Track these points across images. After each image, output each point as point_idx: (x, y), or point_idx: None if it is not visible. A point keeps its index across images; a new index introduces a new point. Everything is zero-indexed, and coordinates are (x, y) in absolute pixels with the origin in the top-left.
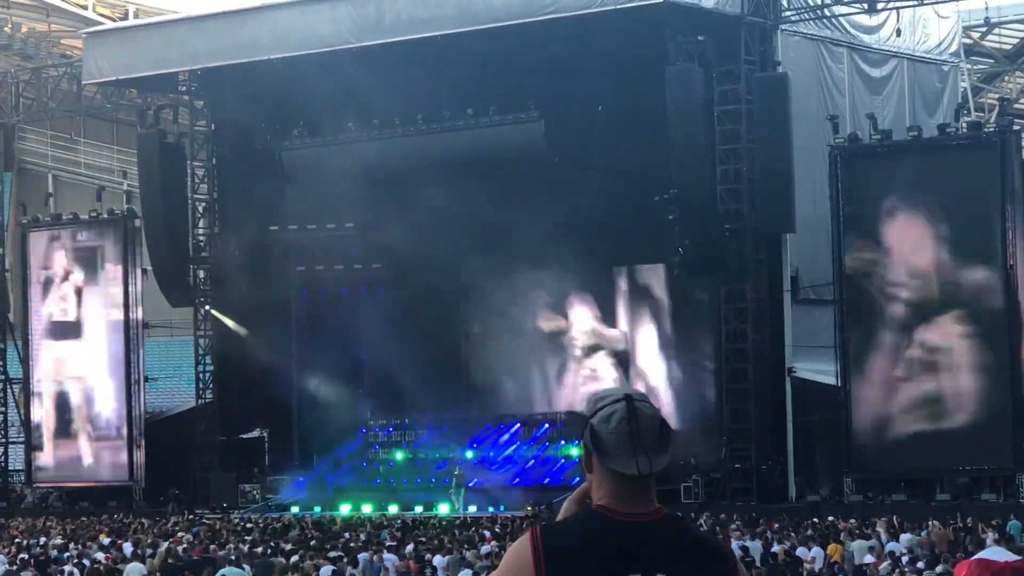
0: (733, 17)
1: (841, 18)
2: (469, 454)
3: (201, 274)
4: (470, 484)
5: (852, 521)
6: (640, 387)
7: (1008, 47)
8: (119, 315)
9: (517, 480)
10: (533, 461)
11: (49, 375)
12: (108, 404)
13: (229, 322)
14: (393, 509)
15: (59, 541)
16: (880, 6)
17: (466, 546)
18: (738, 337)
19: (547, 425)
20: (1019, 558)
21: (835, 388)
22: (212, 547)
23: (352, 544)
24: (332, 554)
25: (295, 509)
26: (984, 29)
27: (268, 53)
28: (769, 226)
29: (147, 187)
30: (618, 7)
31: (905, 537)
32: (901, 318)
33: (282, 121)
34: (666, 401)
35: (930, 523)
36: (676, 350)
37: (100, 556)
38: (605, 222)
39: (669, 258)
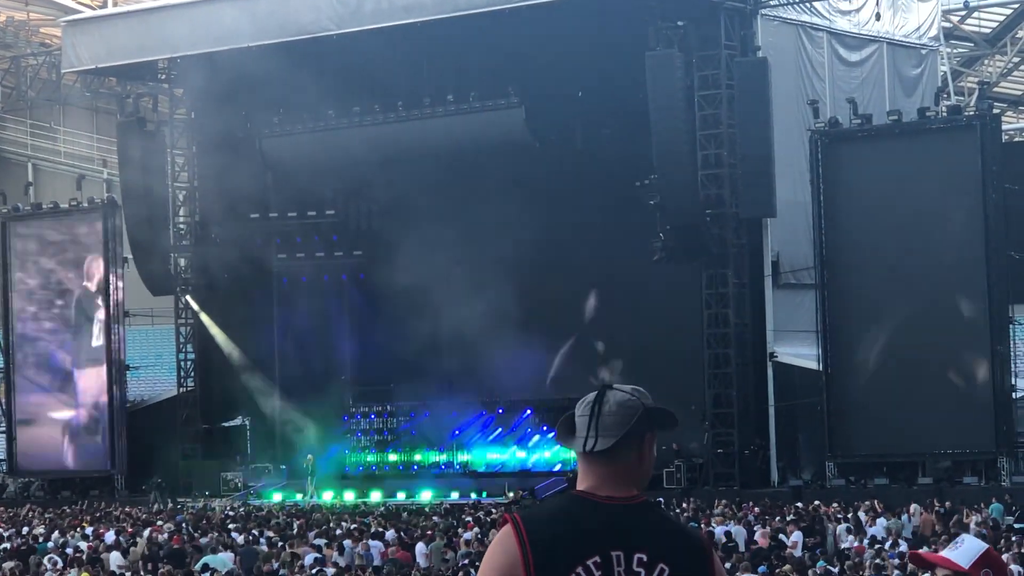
0: (713, 2)
1: (820, 2)
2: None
3: (182, 262)
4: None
5: (835, 505)
6: (614, 372)
7: (988, 31)
8: (100, 304)
9: (502, 466)
10: (516, 446)
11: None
12: (89, 393)
13: (208, 320)
14: (376, 496)
15: (41, 530)
16: None
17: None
18: (720, 322)
19: (529, 411)
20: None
21: (817, 373)
22: (195, 535)
23: (336, 532)
24: (315, 542)
25: (277, 497)
26: (963, 13)
27: (248, 41)
28: (750, 211)
29: (127, 175)
30: None
31: (881, 522)
32: (883, 302)
33: (262, 109)
34: (645, 386)
35: (911, 507)
36: (657, 335)
37: (82, 545)
38: (585, 207)
39: (650, 243)
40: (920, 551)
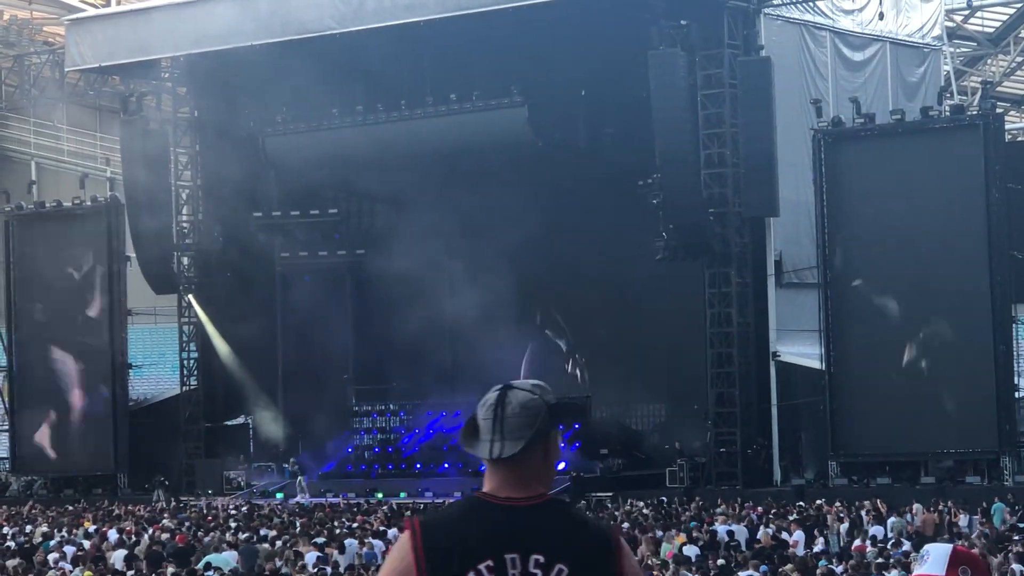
0: (716, 1)
1: (823, 2)
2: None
3: (185, 261)
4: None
5: (838, 505)
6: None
7: (991, 30)
8: (103, 302)
9: None
10: None
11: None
12: (92, 392)
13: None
14: (379, 495)
15: (44, 529)
16: None
17: None
18: (723, 321)
19: None
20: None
21: (819, 372)
22: (198, 534)
23: (338, 531)
24: (317, 540)
25: (279, 496)
26: (967, 12)
27: (250, 39)
28: (753, 210)
29: (130, 174)
30: None
31: (889, 521)
32: (885, 301)
33: (265, 107)
34: (649, 385)
35: (913, 506)
36: (660, 334)
37: (85, 543)
38: (588, 207)
39: (653, 243)
40: None
